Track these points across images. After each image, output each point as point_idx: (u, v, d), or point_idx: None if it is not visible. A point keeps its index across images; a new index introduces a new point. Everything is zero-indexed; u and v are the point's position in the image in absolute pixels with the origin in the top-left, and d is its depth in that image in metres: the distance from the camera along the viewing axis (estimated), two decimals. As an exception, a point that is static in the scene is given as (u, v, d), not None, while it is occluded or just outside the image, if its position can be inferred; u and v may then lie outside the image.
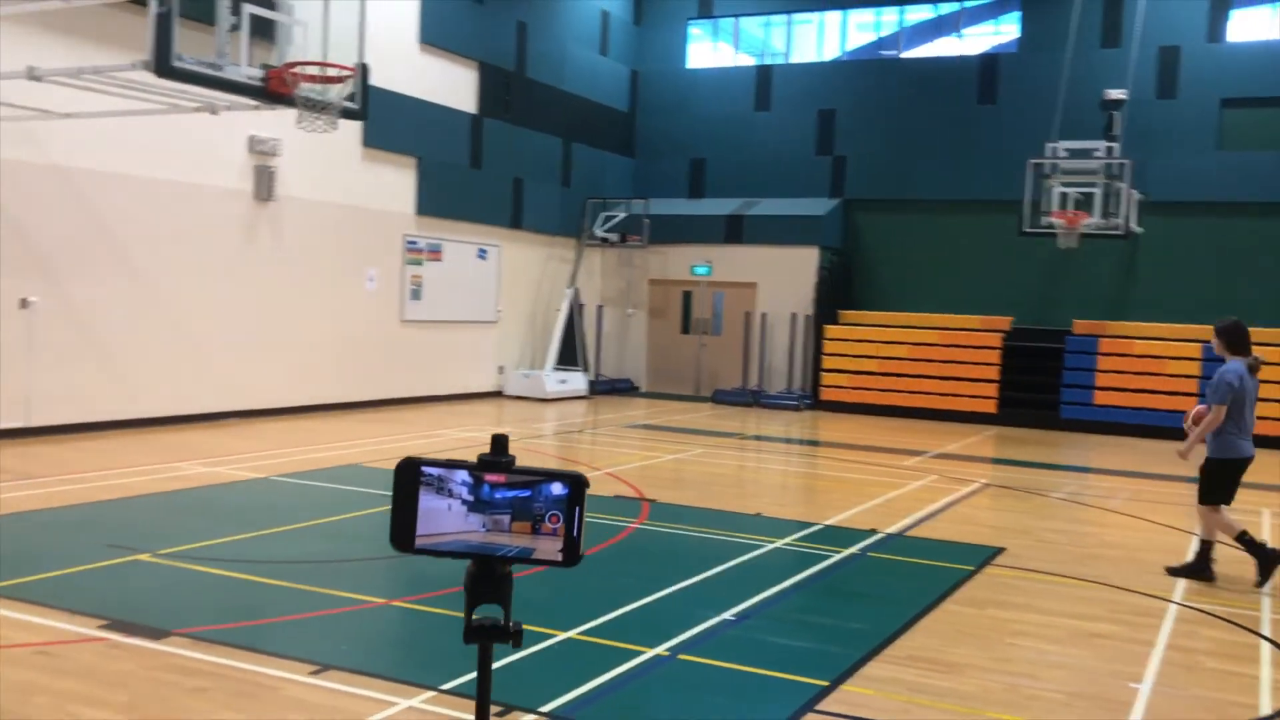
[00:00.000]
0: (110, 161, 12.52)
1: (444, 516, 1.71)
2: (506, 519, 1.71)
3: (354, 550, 7.72)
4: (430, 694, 4.91)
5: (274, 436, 13.10)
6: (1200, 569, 7.84)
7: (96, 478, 9.94)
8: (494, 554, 1.72)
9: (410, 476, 1.72)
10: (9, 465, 10.29)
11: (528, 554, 1.72)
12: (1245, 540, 7.72)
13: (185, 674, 5.10)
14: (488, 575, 1.76)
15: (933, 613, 6.74)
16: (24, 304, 11.72)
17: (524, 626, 1.83)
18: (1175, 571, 7.94)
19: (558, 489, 1.70)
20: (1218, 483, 7.79)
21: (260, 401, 14.62)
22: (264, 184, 14.42)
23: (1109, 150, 16.61)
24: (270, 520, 8.53)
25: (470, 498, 1.71)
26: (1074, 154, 16.69)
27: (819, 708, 5.04)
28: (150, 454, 11.33)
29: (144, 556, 7.21)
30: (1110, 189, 16.66)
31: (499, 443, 1.75)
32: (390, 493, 1.85)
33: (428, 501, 1.72)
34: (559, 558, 1.72)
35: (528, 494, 1.71)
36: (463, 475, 1.70)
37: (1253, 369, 7.79)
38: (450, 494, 1.71)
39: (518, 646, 1.84)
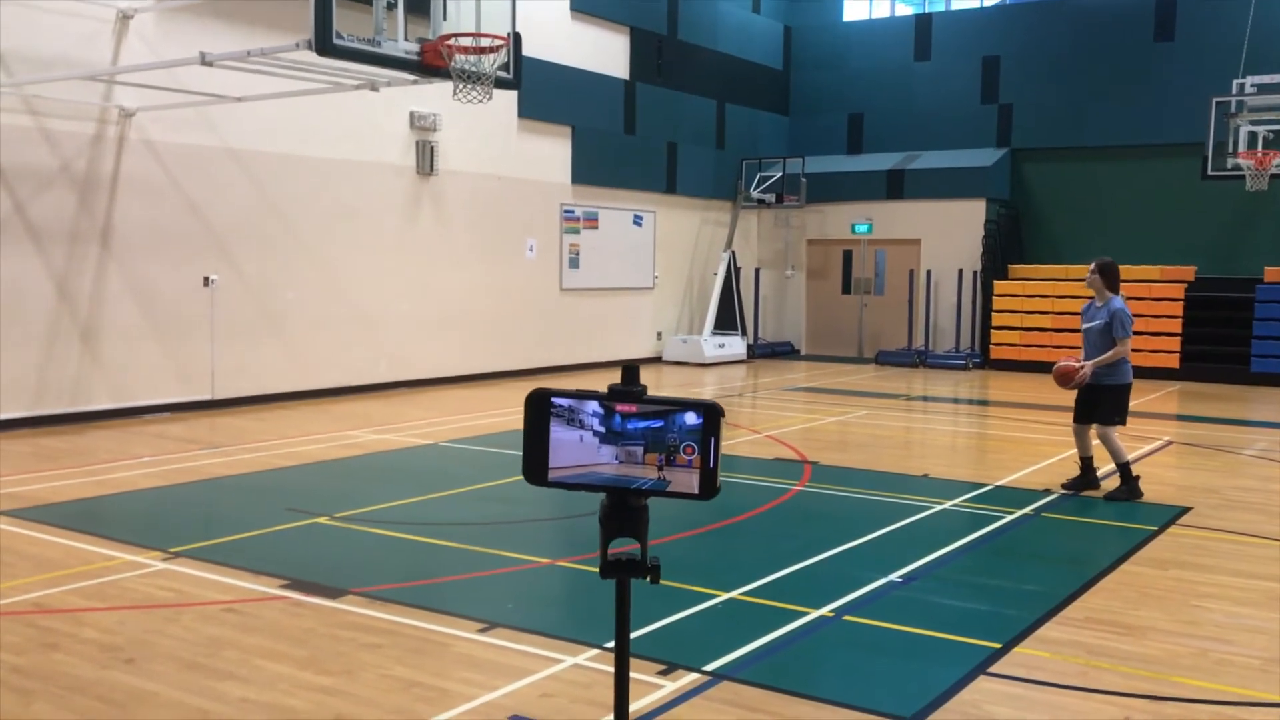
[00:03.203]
0: (280, 143, 13.01)
1: (576, 449, 1.67)
2: (640, 450, 1.66)
3: (519, 512, 7.84)
4: (594, 651, 4.94)
5: (441, 405, 13.44)
6: (1131, 489, 8.47)
7: (275, 446, 10.39)
8: (628, 486, 1.68)
9: (540, 408, 1.68)
10: (197, 435, 10.86)
11: (662, 487, 1.67)
12: (1089, 462, 8.74)
13: (361, 630, 5.27)
14: (622, 508, 1.72)
15: (1112, 574, 6.44)
16: (206, 282, 12.33)
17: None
18: (1112, 497, 8.47)
19: (691, 419, 1.64)
20: (1125, 405, 8.59)
21: (427, 371, 15.04)
22: (425, 159, 14.75)
23: (1302, 83, 15.43)
24: (439, 484, 8.76)
25: (602, 429, 1.67)
26: (1263, 89, 15.56)
27: (991, 670, 4.86)
28: (324, 423, 11.78)
29: (321, 519, 7.48)
30: (1304, 125, 15.50)
31: (630, 372, 1.70)
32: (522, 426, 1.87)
33: (559, 433, 1.68)
34: (695, 490, 1.67)
35: (660, 424, 1.65)
36: (593, 406, 1.66)
37: None
38: (582, 425, 1.67)
39: (655, 582, 1.80)
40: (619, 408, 1.65)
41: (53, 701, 4.39)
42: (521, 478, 1.85)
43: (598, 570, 1.87)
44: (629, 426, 1.65)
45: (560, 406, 1.67)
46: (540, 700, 4.48)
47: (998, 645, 5.15)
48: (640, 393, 1.67)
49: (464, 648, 5.04)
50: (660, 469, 1.67)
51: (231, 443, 10.48)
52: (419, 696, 4.51)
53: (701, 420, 1.64)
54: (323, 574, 6.18)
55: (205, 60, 9.51)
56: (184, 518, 7.64)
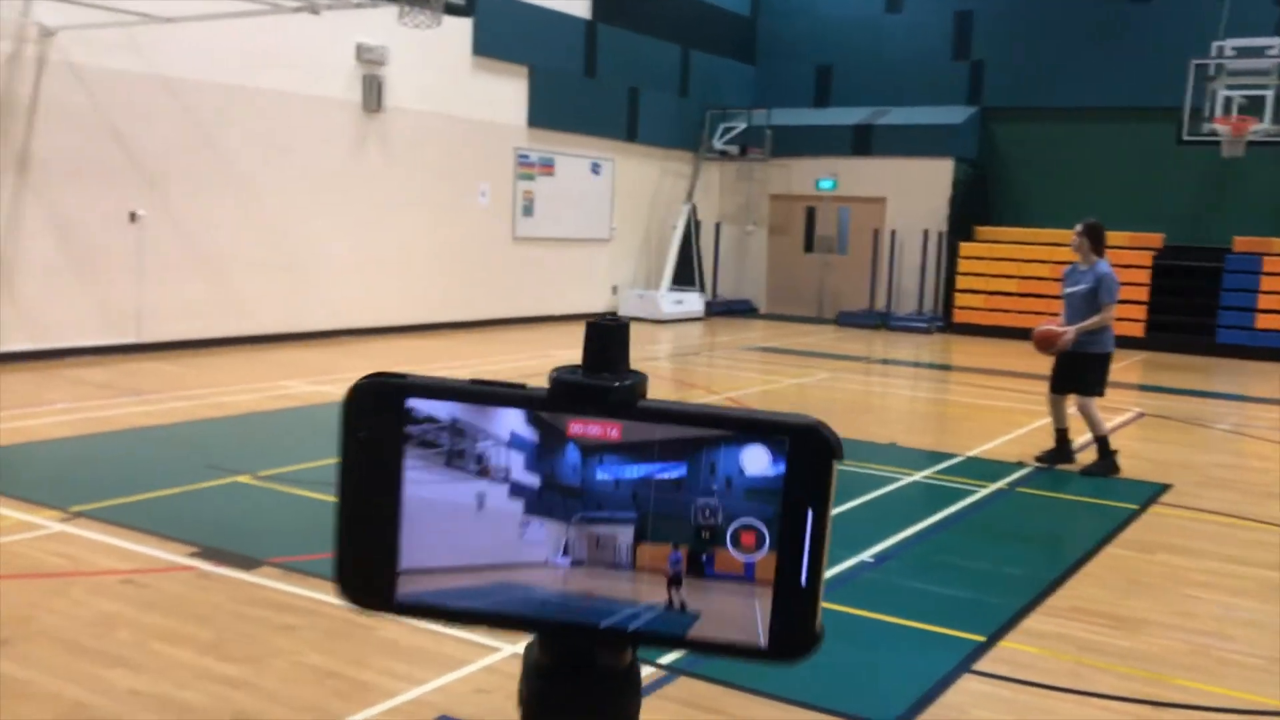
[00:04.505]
0: (215, 71, 12.19)
1: (464, 525, 0.69)
2: (623, 536, 0.68)
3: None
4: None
5: (382, 355, 12.82)
6: (1108, 464, 8.09)
7: (201, 395, 9.72)
8: (591, 624, 0.70)
9: (384, 425, 0.70)
10: (117, 381, 10.16)
11: (680, 628, 0.69)
12: (1065, 434, 8.34)
13: (275, 609, 4.77)
14: (574, 676, 0.72)
15: (1096, 557, 6.15)
16: (133, 218, 11.55)
17: None
18: (1089, 471, 8.08)
19: (759, 460, 0.67)
20: (1106, 375, 8.21)
21: (369, 320, 14.34)
22: (372, 94, 13.97)
23: (1283, 48, 15.06)
24: (375, 442, 8.17)
25: (533, 479, 0.69)
26: (1243, 52, 15.17)
27: (976, 667, 4.51)
28: (256, 372, 11.12)
29: (243, 478, 6.92)
30: (1282, 91, 15.14)
31: (602, 338, 0.72)
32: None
33: (424, 486, 0.69)
34: (760, 638, 0.68)
35: (679, 471, 0.68)
36: (514, 423, 0.69)
37: None
38: (481, 469, 0.69)
39: None
40: (578, 428, 0.69)
41: (-97, 690, 3.86)
42: None
43: None
44: (599, 475, 0.69)
45: (427, 425, 0.69)
46: (473, 696, 4.01)
47: (982, 638, 4.83)
48: (630, 390, 0.70)
49: (390, 632, 4.53)
50: (674, 583, 0.69)
51: (154, 390, 9.80)
52: (334, 690, 4.01)
53: (786, 466, 0.67)
54: (238, 541, 5.64)
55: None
56: (91, 473, 7.03)
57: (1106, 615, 5.16)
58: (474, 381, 0.71)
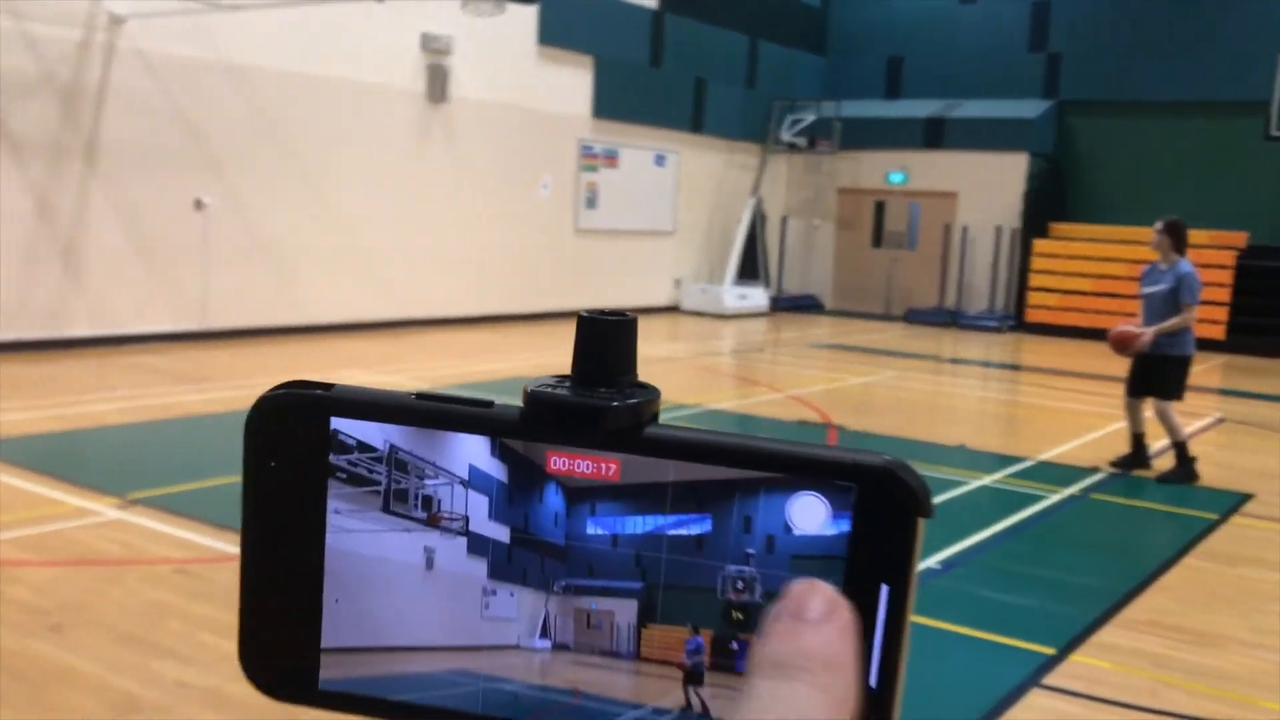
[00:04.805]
0: (281, 59, 12.24)
1: (405, 590, 0.50)
2: (623, 613, 0.48)
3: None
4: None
5: (440, 347, 12.79)
6: (1186, 471, 7.82)
7: (262, 384, 9.65)
8: None
9: (300, 457, 0.51)
10: (180, 368, 10.23)
11: None
12: (1141, 438, 8.07)
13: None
14: None
15: (1174, 569, 5.88)
16: (199, 205, 11.62)
17: None
18: (1165, 478, 7.82)
19: (812, 513, 0.47)
20: (1185, 379, 7.94)
21: (428, 310, 14.33)
22: (437, 84, 13.94)
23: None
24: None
25: (499, 531, 0.49)
26: (1336, 44, 14.58)
27: (1046, 681, 4.35)
28: (318, 361, 11.14)
29: (298, 468, 6.84)
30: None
31: (602, 340, 0.50)
32: None
33: (352, 539, 0.50)
34: None
35: (700, 525, 0.47)
36: (474, 452, 0.49)
37: None
38: (428, 515, 0.50)
39: None
40: (562, 463, 0.49)
41: (-44, 676, 3.86)
42: None
43: None
44: (591, 528, 0.48)
45: (357, 449, 0.50)
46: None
47: (1052, 651, 4.66)
48: (632, 413, 0.48)
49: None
50: (692, 680, 0.48)
51: (216, 378, 9.84)
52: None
53: (852, 524, 0.46)
54: (291, 532, 5.54)
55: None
56: (149, 460, 7.06)
57: (1184, 630, 4.93)
58: (420, 395, 0.50)
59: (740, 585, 0.47)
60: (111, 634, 4.28)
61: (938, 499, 6.88)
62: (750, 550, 0.47)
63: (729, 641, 0.47)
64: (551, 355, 12.49)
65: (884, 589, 0.46)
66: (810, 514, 0.46)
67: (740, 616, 0.47)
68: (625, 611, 0.48)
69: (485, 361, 11.86)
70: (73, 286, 10.77)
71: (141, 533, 5.54)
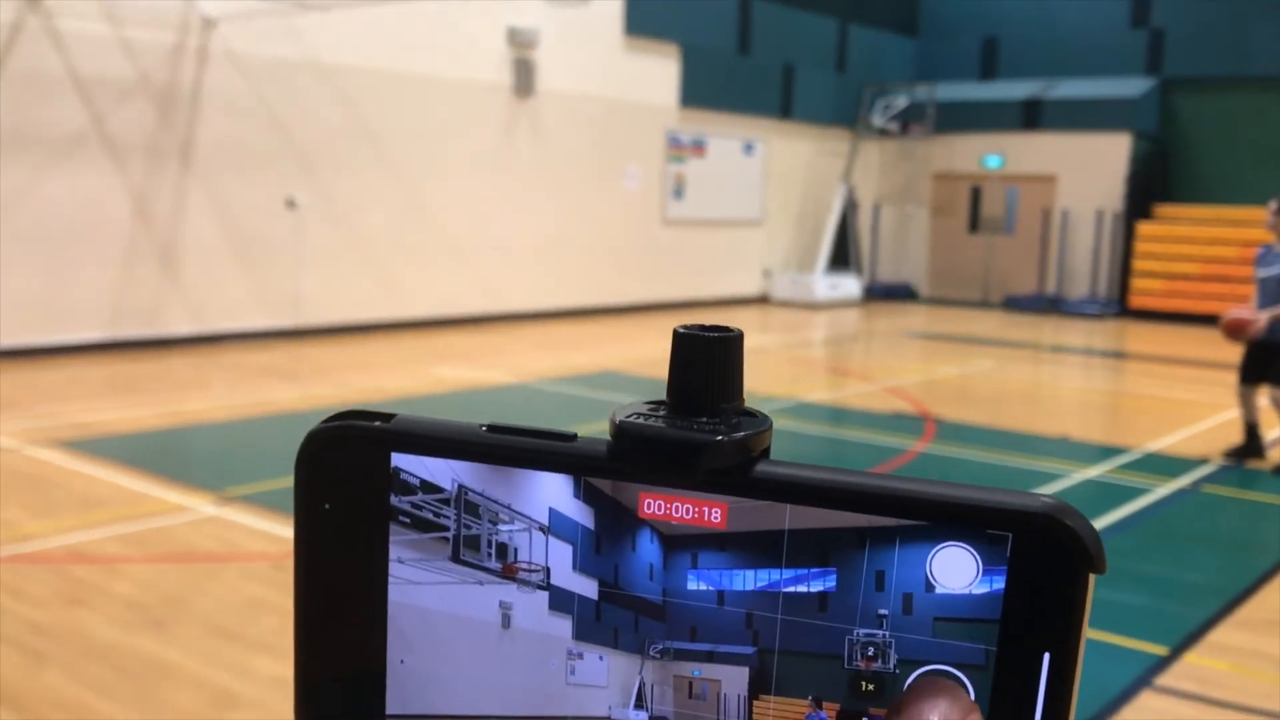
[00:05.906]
0: (369, 57, 12.37)
1: (478, 650, 0.42)
2: (731, 682, 0.41)
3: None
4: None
5: (533, 340, 12.83)
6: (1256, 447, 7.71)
7: (356, 380, 9.86)
8: None
9: (358, 498, 0.44)
10: (276, 365, 10.40)
11: None
12: (1256, 428, 7.85)
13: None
14: None
15: None
16: (290, 204, 11.80)
17: None
18: (1232, 454, 7.75)
19: (958, 567, 0.39)
20: None
21: (519, 304, 14.39)
22: (523, 78, 13.97)
23: None
24: (523, 427, 8.12)
25: (586, 585, 0.42)
26: None
27: (1158, 682, 4.19)
28: (410, 356, 11.25)
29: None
30: None
31: (703, 361, 0.44)
32: None
33: (417, 593, 0.43)
34: None
35: (823, 581, 0.39)
36: (555, 493, 0.42)
37: None
38: (504, 565, 0.42)
39: None
40: (657, 506, 0.41)
41: (65, 669, 3.96)
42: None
43: None
44: (692, 583, 0.41)
45: (422, 490, 0.43)
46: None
47: (1164, 651, 4.50)
48: (739, 449, 0.41)
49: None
50: None
51: (311, 374, 9.99)
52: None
53: (1007, 580, 0.39)
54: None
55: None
56: (246, 456, 7.16)
57: (1310, 632, 4.68)
58: (492, 427, 0.43)
59: (871, 652, 0.40)
60: (210, 629, 4.34)
61: (1039, 489, 6.69)
62: (884, 611, 0.40)
63: (858, 717, 0.40)
64: (643, 347, 12.46)
65: (1045, 657, 0.39)
66: (957, 569, 0.39)
67: (871, 688, 0.40)
68: (734, 680, 0.41)
69: (579, 354, 11.87)
70: (170, 286, 11.03)
71: (239, 529, 5.62)
